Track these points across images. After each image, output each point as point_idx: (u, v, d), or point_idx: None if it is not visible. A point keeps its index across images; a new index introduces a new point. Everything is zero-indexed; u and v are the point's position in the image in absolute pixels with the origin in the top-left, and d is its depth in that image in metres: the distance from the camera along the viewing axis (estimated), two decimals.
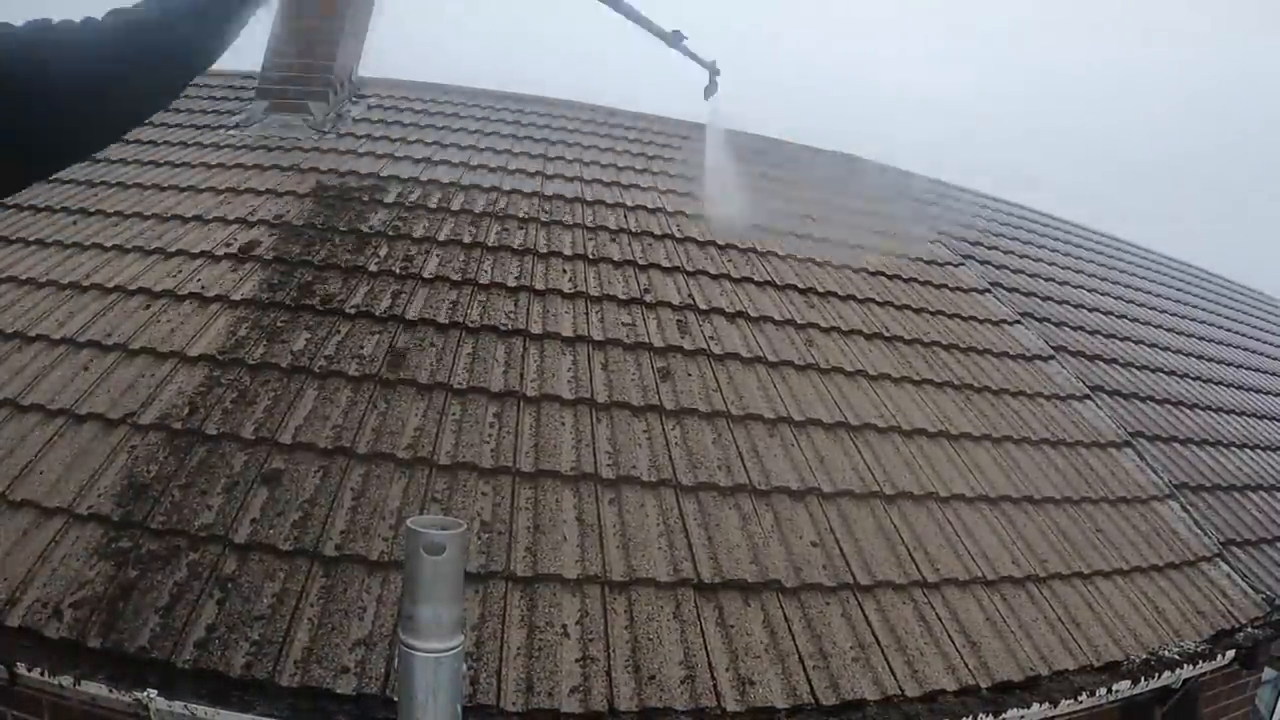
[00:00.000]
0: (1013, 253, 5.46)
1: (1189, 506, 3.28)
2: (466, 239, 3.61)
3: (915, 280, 4.37)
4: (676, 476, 2.53)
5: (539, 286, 3.34)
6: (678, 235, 4.09)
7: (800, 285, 3.91)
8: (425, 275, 3.27)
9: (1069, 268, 5.64)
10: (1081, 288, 5.29)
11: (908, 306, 4.03)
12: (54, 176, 3.90)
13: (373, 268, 3.25)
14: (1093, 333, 4.55)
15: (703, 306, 3.49)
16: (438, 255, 3.44)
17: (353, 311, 2.97)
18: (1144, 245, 7.47)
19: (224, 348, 2.71)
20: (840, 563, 2.40)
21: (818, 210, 5.00)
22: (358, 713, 1.75)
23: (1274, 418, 4.67)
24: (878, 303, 3.97)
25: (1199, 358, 5.04)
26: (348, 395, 2.59)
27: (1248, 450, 4.07)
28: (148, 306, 2.91)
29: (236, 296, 2.96)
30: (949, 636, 2.27)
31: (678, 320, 3.36)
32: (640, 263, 3.72)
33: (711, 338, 3.27)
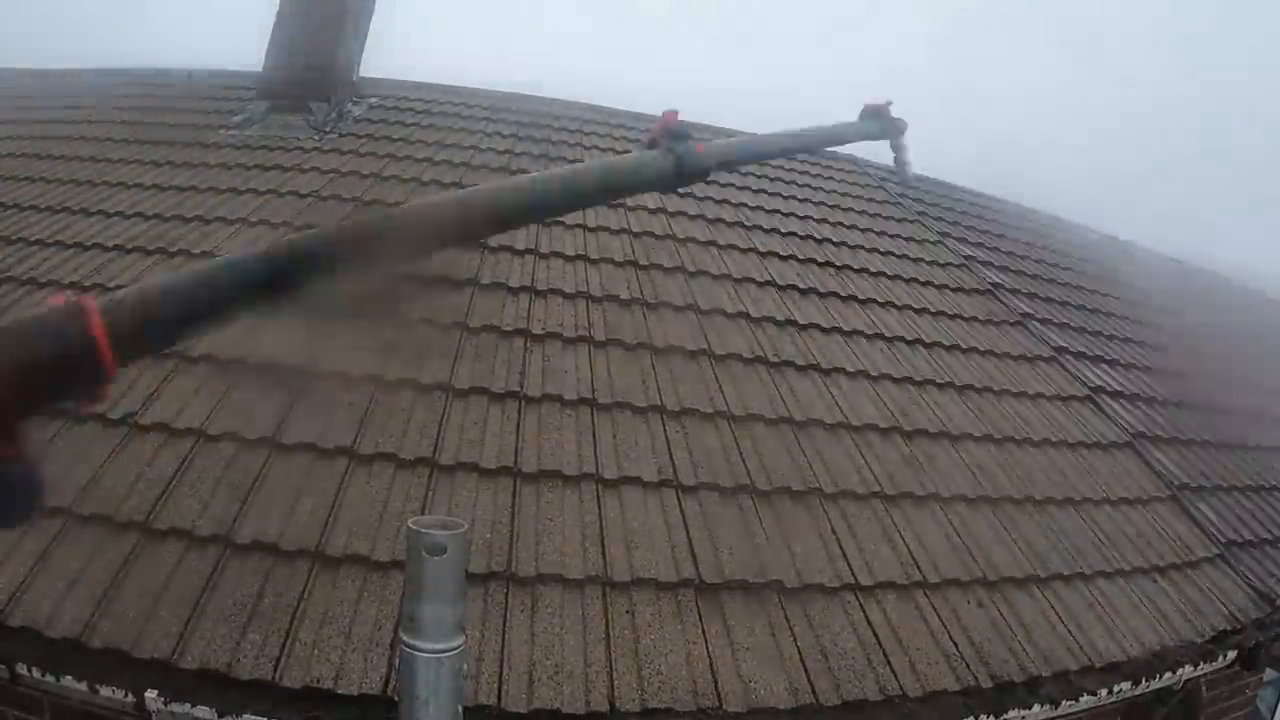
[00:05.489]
0: (1014, 254, 5.45)
1: (1189, 506, 3.28)
2: None
3: (916, 281, 4.36)
4: (678, 477, 2.53)
5: (541, 287, 3.34)
6: (679, 236, 4.08)
7: (801, 285, 3.90)
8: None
9: (1070, 268, 5.64)
10: (1082, 288, 5.29)
11: (909, 307, 4.02)
12: (53, 177, 3.90)
13: None
14: (1094, 334, 4.55)
15: (704, 307, 3.48)
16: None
17: None
18: (1144, 245, 7.47)
19: (224, 348, 2.70)
20: (842, 563, 2.39)
21: None
22: (359, 713, 1.75)
23: (1274, 418, 4.66)
24: (879, 303, 3.97)
25: (1199, 358, 5.02)
26: (349, 396, 2.59)
27: (1248, 450, 4.07)
28: None
29: None
30: (950, 637, 2.27)
31: (680, 320, 3.35)
32: (641, 263, 3.72)
33: (713, 338, 3.27)
